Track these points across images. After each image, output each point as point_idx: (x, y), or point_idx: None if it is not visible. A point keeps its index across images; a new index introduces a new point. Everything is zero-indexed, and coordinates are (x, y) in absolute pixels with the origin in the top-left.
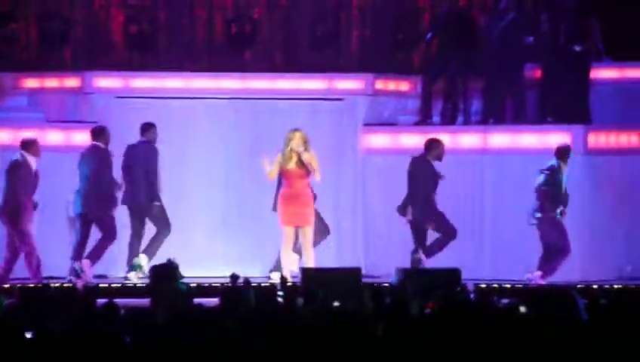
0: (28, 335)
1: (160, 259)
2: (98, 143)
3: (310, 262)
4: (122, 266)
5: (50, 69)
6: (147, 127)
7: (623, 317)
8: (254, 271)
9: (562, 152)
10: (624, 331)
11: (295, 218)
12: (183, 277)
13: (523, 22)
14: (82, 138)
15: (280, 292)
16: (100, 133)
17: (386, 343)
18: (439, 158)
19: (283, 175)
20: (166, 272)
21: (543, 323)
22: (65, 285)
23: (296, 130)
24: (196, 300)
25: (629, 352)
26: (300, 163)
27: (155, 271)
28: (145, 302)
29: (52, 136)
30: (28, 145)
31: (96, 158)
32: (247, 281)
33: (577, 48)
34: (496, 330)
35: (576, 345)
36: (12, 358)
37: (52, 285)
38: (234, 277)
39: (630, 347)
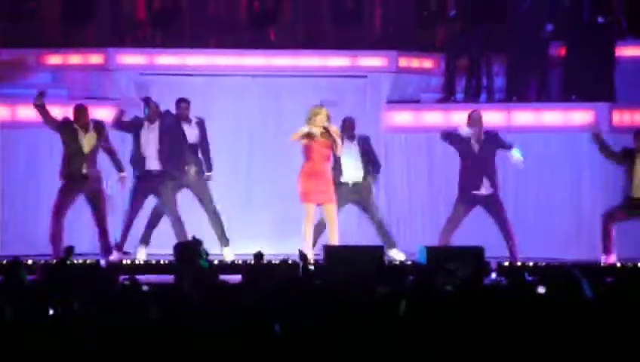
0: (51, 312)
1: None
2: None
3: (334, 240)
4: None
5: (74, 45)
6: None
7: (628, 296)
8: (278, 249)
9: None
10: (630, 310)
11: (317, 195)
12: (208, 254)
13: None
14: (105, 114)
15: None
16: None
17: (409, 321)
18: None
19: (306, 150)
20: (190, 249)
21: (553, 303)
22: (88, 262)
23: (321, 105)
24: (222, 277)
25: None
26: (325, 137)
27: (179, 248)
28: (168, 278)
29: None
30: None
31: None
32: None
33: (600, 20)
34: (516, 311)
35: (582, 324)
36: (35, 335)
37: (75, 261)
38: (258, 256)
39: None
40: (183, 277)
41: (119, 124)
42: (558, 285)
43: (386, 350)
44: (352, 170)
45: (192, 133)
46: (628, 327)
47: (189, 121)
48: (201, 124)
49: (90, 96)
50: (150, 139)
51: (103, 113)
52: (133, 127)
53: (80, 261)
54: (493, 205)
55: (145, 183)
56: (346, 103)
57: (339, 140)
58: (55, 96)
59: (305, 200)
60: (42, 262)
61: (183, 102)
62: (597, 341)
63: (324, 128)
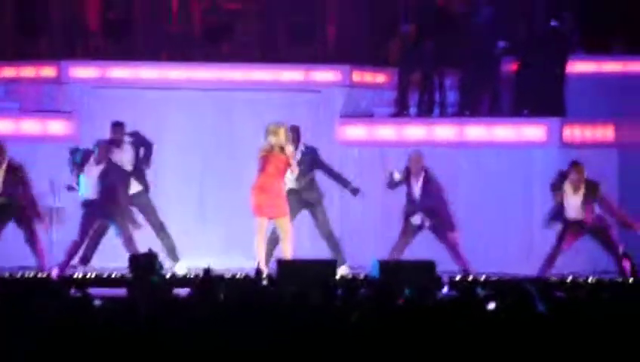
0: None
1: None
2: None
3: (288, 254)
4: (98, 256)
5: (26, 58)
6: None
7: (579, 311)
8: (230, 263)
9: None
10: (580, 324)
11: (268, 209)
12: (163, 267)
13: (499, 15)
14: (58, 128)
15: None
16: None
17: (361, 332)
18: None
19: (262, 161)
20: (145, 262)
21: (505, 317)
22: (39, 275)
23: (280, 124)
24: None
25: (582, 346)
26: (282, 153)
27: (135, 260)
28: (121, 292)
29: (27, 126)
30: None
31: None
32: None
33: (553, 24)
34: (466, 325)
35: (532, 338)
36: None
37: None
38: (207, 272)
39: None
40: (138, 290)
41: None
42: (510, 300)
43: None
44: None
45: (126, 159)
46: (578, 341)
47: (121, 145)
48: (135, 142)
49: (43, 109)
50: (92, 178)
51: (56, 126)
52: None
53: (31, 274)
54: (435, 231)
55: (91, 209)
56: (299, 118)
57: (294, 162)
58: (7, 109)
59: (257, 213)
60: None
61: (117, 126)
62: (548, 355)
63: (280, 148)
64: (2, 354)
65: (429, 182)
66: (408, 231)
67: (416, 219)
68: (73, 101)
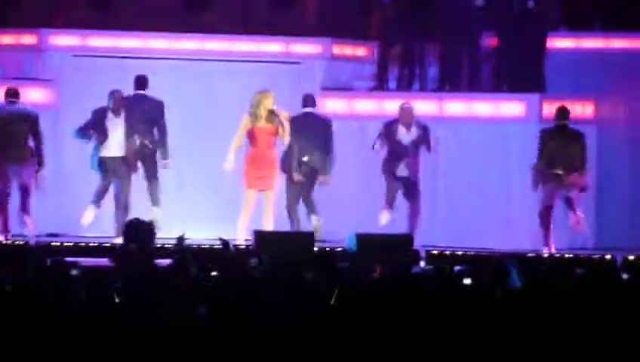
0: None
1: None
2: None
3: (269, 228)
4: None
5: (6, 25)
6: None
7: (557, 285)
8: (213, 234)
9: None
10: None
11: (260, 181)
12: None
13: None
14: (37, 95)
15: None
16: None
17: (340, 309)
18: None
19: (250, 136)
20: (145, 229)
21: (481, 293)
22: (17, 242)
23: (266, 90)
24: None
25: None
26: (270, 122)
27: (135, 225)
28: (101, 261)
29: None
30: None
31: None
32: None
33: (531, 4)
34: (441, 300)
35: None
36: None
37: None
38: (180, 239)
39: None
40: (124, 257)
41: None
42: (485, 274)
43: (313, 336)
44: None
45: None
46: (553, 317)
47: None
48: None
49: (23, 77)
50: (117, 129)
51: (35, 94)
52: (96, 120)
53: (9, 241)
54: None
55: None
56: (280, 89)
57: (287, 125)
58: None
59: (247, 185)
60: None
61: (115, 93)
62: (522, 331)
63: (271, 112)
64: None
65: (425, 130)
66: (393, 188)
67: (401, 170)
68: (53, 69)
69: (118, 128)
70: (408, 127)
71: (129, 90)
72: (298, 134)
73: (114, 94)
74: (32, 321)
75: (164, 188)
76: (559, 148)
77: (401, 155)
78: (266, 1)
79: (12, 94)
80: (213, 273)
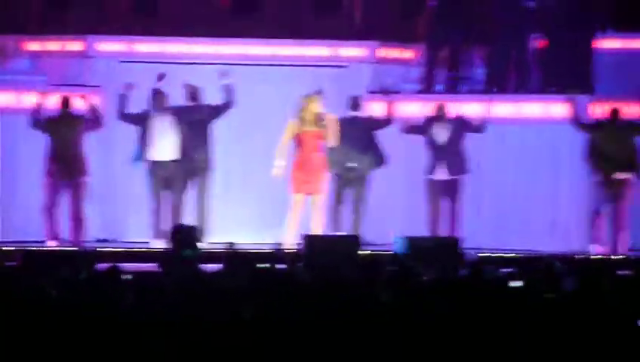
0: (28, 298)
1: None
2: None
3: (318, 231)
4: (127, 230)
5: (53, 32)
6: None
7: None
8: (262, 238)
9: None
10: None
11: (307, 185)
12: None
13: None
14: (84, 102)
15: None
16: None
17: (391, 310)
18: None
19: (297, 140)
20: (186, 233)
21: (529, 296)
22: (67, 248)
23: (313, 94)
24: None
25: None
26: (317, 125)
27: (177, 231)
28: (150, 267)
29: (54, 100)
30: None
31: None
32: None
33: (531, 4)
34: (486, 303)
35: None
36: (11, 320)
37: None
38: (230, 247)
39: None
40: (171, 262)
41: (123, 113)
42: (536, 277)
43: (364, 339)
44: None
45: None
46: (605, 319)
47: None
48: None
49: (69, 83)
50: (163, 129)
51: (80, 101)
52: (139, 120)
53: (60, 248)
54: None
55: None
56: (326, 93)
57: (336, 129)
58: (33, 83)
59: (294, 190)
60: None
61: (157, 94)
62: (575, 333)
63: (318, 116)
64: (27, 327)
65: (463, 123)
66: (434, 194)
67: (440, 174)
68: (100, 75)
69: (167, 128)
70: (442, 123)
71: (175, 95)
72: (344, 137)
73: (156, 94)
74: (80, 326)
75: (211, 193)
76: (611, 147)
77: (438, 156)
78: (313, 6)
79: (65, 103)
80: (260, 277)
